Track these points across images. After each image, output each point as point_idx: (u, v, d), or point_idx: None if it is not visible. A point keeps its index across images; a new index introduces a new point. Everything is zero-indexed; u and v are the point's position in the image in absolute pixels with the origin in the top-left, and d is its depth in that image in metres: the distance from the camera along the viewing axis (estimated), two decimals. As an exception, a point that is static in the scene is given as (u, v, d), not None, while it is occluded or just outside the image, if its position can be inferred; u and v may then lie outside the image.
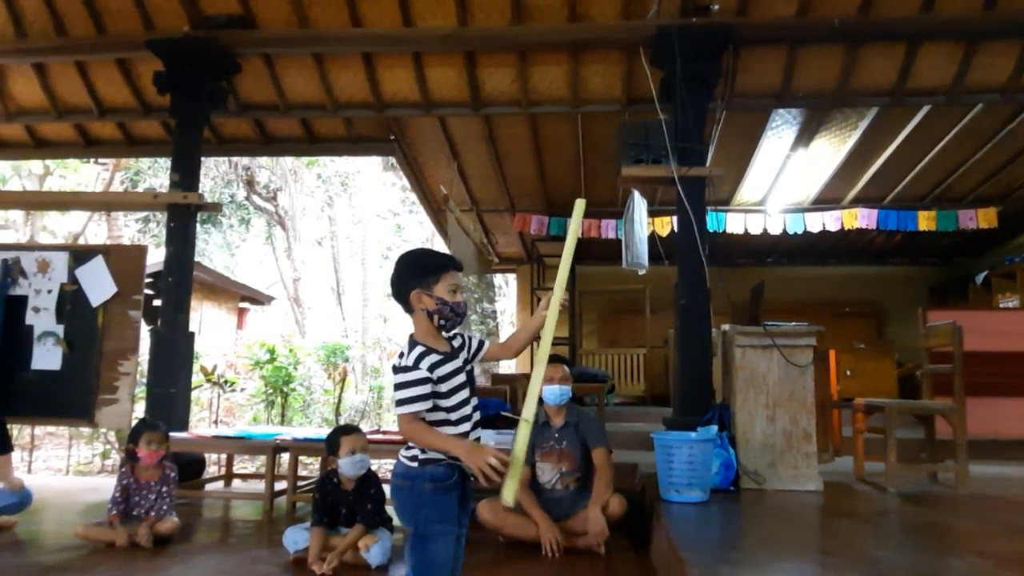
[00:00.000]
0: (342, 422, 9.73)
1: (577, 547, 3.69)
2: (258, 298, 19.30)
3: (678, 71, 5.17)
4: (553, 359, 4.10)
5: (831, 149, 7.60)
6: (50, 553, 3.76)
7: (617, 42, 5.65)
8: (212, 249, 18.64)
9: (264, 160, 16.71)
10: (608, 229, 8.96)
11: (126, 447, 4.07)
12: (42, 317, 5.58)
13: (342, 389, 9.91)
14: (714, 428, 4.27)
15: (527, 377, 7.03)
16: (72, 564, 3.54)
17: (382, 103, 6.22)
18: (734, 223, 8.87)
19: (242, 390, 10.40)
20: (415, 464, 2.02)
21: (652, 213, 7.31)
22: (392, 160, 16.45)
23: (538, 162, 7.93)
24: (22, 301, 5.59)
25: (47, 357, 5.54)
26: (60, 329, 5.55)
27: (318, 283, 20.65)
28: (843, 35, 5.47)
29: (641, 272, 5.75)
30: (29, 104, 6.61)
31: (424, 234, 19.59)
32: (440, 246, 16.13)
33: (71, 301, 5.58)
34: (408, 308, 2.10)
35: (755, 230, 8.91)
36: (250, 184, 17.48)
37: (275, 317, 20.28)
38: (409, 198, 20.55)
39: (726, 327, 4.85)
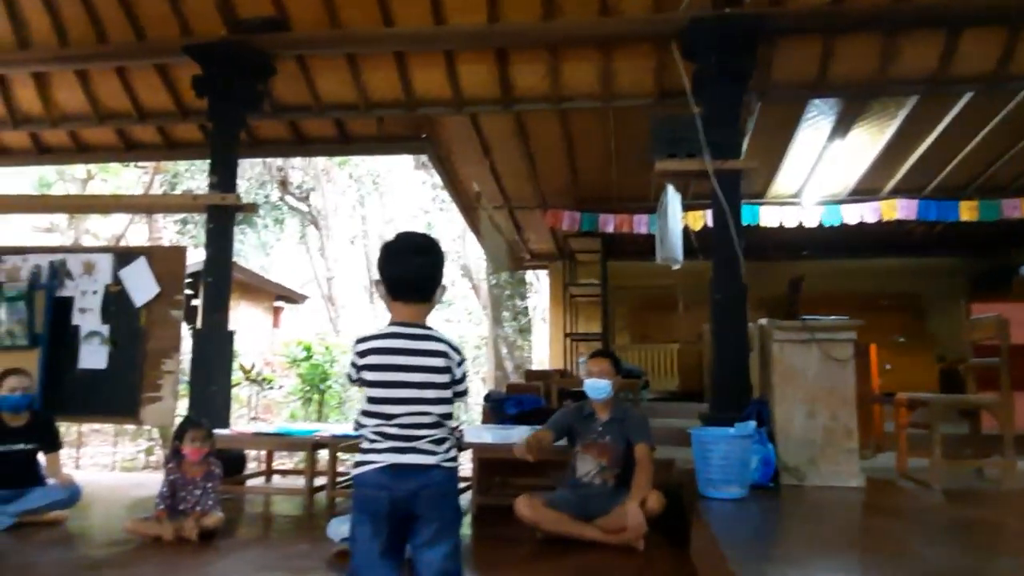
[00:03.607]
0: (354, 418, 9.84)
1: (614, 543, 3.69)
2: (293, 297, 19.57)
3: (711, 63, 5.11)
4: (596, 353, 4.11)
5: (869, 139, 7.44)
6: (100, 547, 3.87)
7: (648, 35, 5.60)
8: (247, 249, 18.95)
9: (297, 160, 16.94)
10: (640, 224, 8.89)
11: (172, 444, 4.17)
12: (88, 317, 5.74)
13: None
14: (752, 424, 4.22)
15: (560, 374, 7.08)
16: (121, 558, 3.64)
17: (414, 102, 6.26)
18: (768, 216, 8.73)
19: (280, 387, 10.57)
20: (456, 465, 2.04)
21: (685, 207, 7.24)
22: (423, 158, 16.54)
23: (569, 158, 7.91)
24: (69, 302, 5.76)
25: (93, 356, 5.70)
26: (105, 329, 5.70)
27: (351, 281, 20.88)
28: (881, 22, 5.34)
29: (675, 267, 5.71)
30: (72, 110, 6.79)
31: (454, 232, 19.68)
32: (472, 243, 16.19)
33: (115, 302, 5.73)
34: (433, 300, 2.08)
35: (790, 223, 8.77)
36: (284, 185, 17.74)
37: (309, 315, 20.58)
38: (439, 196, 20.65)
39: (763, 322, 4.79)
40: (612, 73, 5.94)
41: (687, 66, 5.34)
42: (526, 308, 17.60)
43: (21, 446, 4.31)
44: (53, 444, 4.47)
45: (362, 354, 2.00)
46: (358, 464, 2.00)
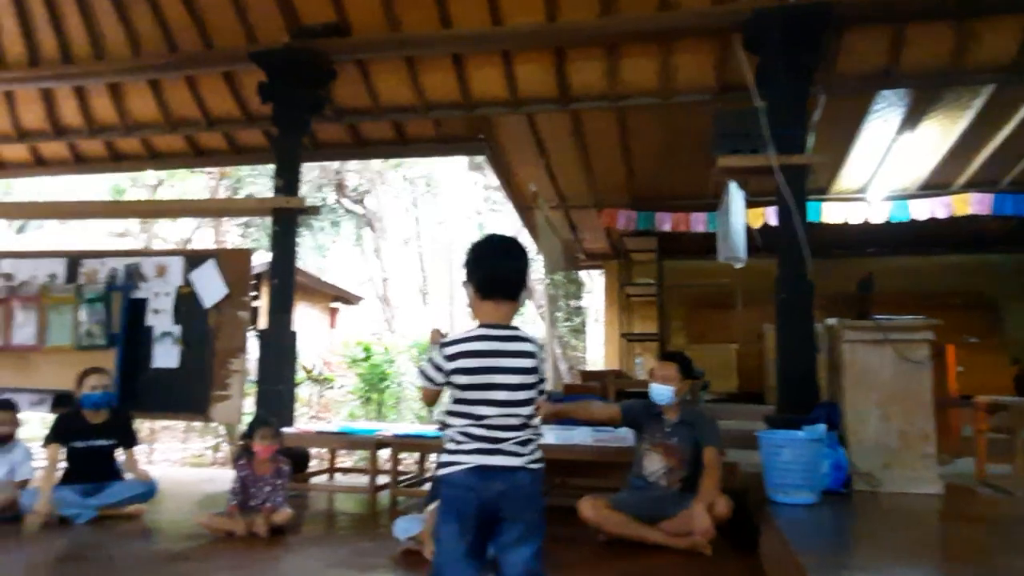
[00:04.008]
0: (434, 418, 9.96)
1: (680, 547, 3.62)
2: (348, 298, 19.96)
3: (776, 56, 4.98)
4: (664, 356, 4.06)
5: (941, 131, 7.13)
6: (176, 541, 4.01)
7: (709, 29, 5.49)
8: (305, 251, 19.39)
9: (353, 163, 17.24)
10: (697, 222, 8.74)
11: (243, 442, 4.29)
12: (161, 318, 5.96)
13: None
14: (822, 427, 4.09)
15: (616, 374, 7.01)
16: (196, 552, 3.77)
17: (471, 102, 6.30)
18: (832, 213, 8.46)
19: (340, 387, 10.78)
20: (541, 467, 2.04)
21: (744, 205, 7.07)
22: (478, 160, 16.67)
23: (625, 156, 7.83)
24: (143, 303, 5.99)
25: (166, 356, 5.91)
26: (177, 329, 5.91)
27: (405, 282, 21.15)
28: (954, 7, 5.11)
29: (738, 266, 5.58)
30: (145, 118, 7.06)
31: (507, 233, 19.69)
32: (526, 243, 16.18)
33: (186, 303, 5.93)
34: (520, 300, 2.10)
35: (855, 220, 8.48)
36: (340, 187, 18.09)
37: (365, 316, 20.94)
38: (491, 197, 20.75)
39: (831, 321, 4.64)
40: (671, 69, 5.85)
41: (750, 59, 5.21)
42: (580, 308, 17.52)
43: (101, 442, 4.49)
44: (131, 440, 4.65)
45: (451, 357, 1.99)
46: (444, 464, 2.01)
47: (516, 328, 2.08)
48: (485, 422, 1.97)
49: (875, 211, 8.37)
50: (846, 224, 8.48)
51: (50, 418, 6.81)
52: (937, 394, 4.44)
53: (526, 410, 2.02)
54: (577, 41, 5.77)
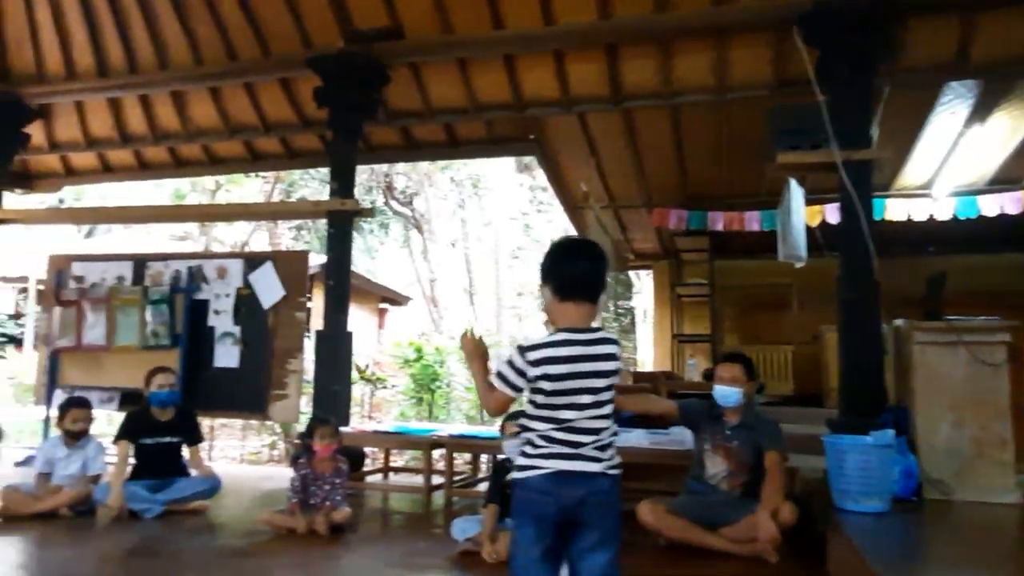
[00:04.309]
0: (484, 419, 9.98)
1: (743, 554, 3.54)
2: (397, 299, 20.22)
3: (837, 48, 4.82)
4: (728, 357, 3.96)
5: (1011, 124, 6.81)
6: (239, 537, 4.10)
7: (767, 22, 5.35)
8: (354, 253, 19.63)
9: (401, 166, 17.46)
10: (751, 221, 8.55)
11: (303, 441, 4.37)
12: (222, 319, 6.12)
13: (486, 386, 10.16)
14: (891, 432, 3.93)
15: (667, 375, 6.89)
16: (259, 548, 3.85)
17: (523, 103, 6.29)
18: (894, 209, 8.17)
19: (393, 387, 10.91)
20: (619, 472, 2.01)
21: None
22: (525, 160, 16.68)
23: (677, 155, 7.72)
24: (205, 304, 6.16)
25: (227, 355, 6.06)
26: (237, 330, 6.06)
27: (452, 283, 21.30)
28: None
29: (798, 265, 5.44)
30: (205, 125, 7.27)
31: (553, 233, 19.68)
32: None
33: (245, 304, 6.08)
34: (599, 303, 2.06)
35: (919, 216, 8.16)
36: (389, 190, 18.33)
37: (412, 317, 21.16)
38: (537, 198, 20.74)
39: (899, 322, 4.48)
40: (727, 64, 5.73)
41: (810, 52, 5.06)
42: (628, 309, 17.35)
43: (168, 439, 4.63)
44: (196, 437, 4.79)
45: (536, 363, 1.95)
46: (522, 468, 1.99)
47: (597, 329, 2.05)
48: (567, 425, 1.95)
49: (941, 207, 8.04)
50: (909, 221, 8.18)
51: (116, 416, 7.10)
52: (1015, 399, 4.24)
53: (608, 410, 2.00)
54: (630, 38, 5.70)
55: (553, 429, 1.95)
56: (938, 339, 4.11)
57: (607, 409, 2.00)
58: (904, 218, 8.14)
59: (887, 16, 4.89)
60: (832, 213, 7.21)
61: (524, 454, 2.00)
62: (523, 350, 1.98)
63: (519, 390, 2.00)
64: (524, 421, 2.02)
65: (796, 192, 5.17)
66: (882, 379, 4.60)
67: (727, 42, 5.62)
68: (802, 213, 5.33)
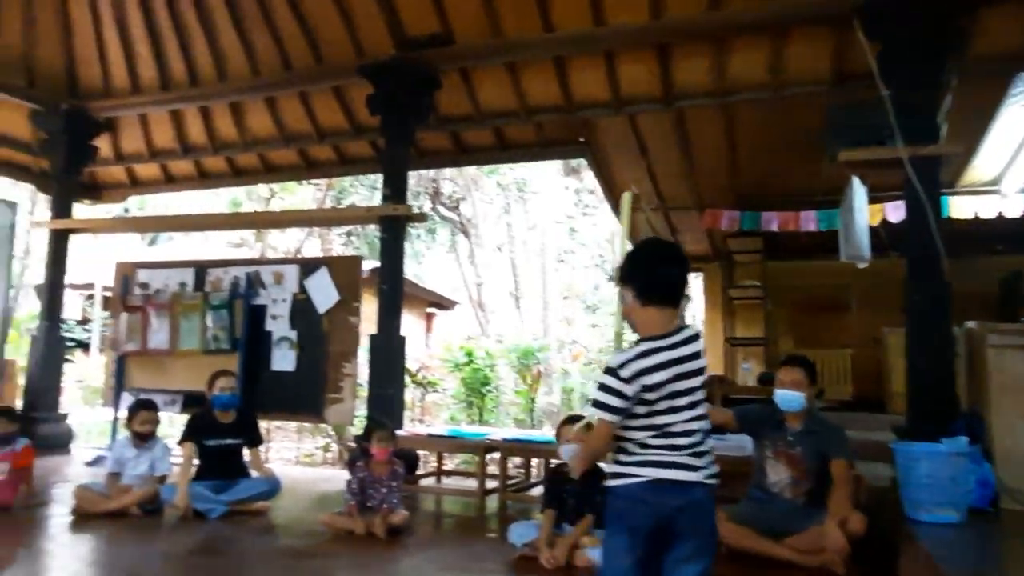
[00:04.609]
0: (534, 423, 9.96)
1: (810, 564, 3.42)
2: (444, 303, 20.36)
3: (901, 40, 4.66)
4: (789, 360, 3.86)
5: (1090, 114, 6.47)
6: (299, 537, 4.16)
7: (825, 15, 5.21)
8: (402, 258, 19.89)
9: (448, 171, 17.58)
10: (808, 221, 8.31)
11: (360, 444, 4.41)
12: (278, 323, 6.25)
13: (536, 390, 10.15)
14: (964, 439, 3.77)
15: (719, 380, 6.73)
16: (320, 549, 3.90)
17: (573, 105, 6.26)
18: (960, 207, 7.84)
19: (444, 391, 10.99)
20: (716, 482, 1.97)
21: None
22: (572, 164, 16.62)
23: (730, 155, 7.57)
24: (262, 309, 6.30)
25: (284, 359, 6.19)
26: (293, 334, 6.18)
27: (498, 287, 21.35)
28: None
29: (861, 265, 5.27)
30: (262, 134, 7.47)
31: (598, 236, 19.57)
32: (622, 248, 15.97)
33: (301, 309, 6.19)
34: (681, 304, 2.03)
35: (987, 214, 7.82)
36: (435, 195, 18.49)
37: (459, 321, 21.27)
38: (583, 201, 20.63)
39: (971, 324, 4.28)
40: (783, 60, 5.60)
41: (871, 45, 4.90)
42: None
43: (230, 441, 4.73)
44: (256, 439, 4.89)
45: (631, 379, 1.88)
46: (617, 476, 1.94)
47: (680, 329, 1.99)
48: (664, 430, 1.91)
49: (1010, 204, 7.69)
50: (976, 219, 7.84)
51: (178, 418, 7.32)
52: (1099, 405, 4.01)
53: (702, 410, 1.97)
54: (683, 37, 5.62)
55: (650, 436, 1.91)
56: (1014, 342, 3.92)
57: (701, 409, 1.96)
58: (971, 216, 7.81)
59: (953, 5, 4.70)
60: (893, 211, 6.97)
61: (618, 461, 1.96)
62: (614, 370, 1.91)
63: (621, 412, 1.92)
64: (618, 430, 1.97)
65: (859, 190, 5.00)
66: (953, 384, 4.41)
67: (783, 37, 5.50)
68: (866, 212, 5.16)
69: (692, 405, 1.93)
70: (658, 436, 1.90)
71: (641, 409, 1.91)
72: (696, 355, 1.96)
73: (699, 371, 1.96)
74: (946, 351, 4.43)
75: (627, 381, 1.89)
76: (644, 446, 1.91)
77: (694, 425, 1.93)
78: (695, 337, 1.97)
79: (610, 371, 1.91)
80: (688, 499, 1.88)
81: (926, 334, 4.49)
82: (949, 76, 5.17)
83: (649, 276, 1.99)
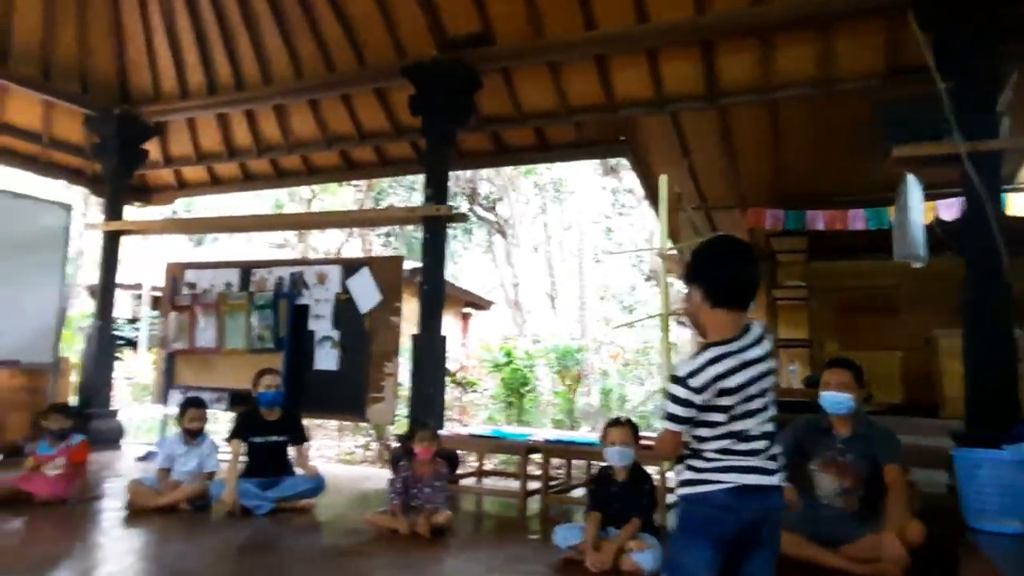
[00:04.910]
0: (573, 424, 9.91)
1: (864, 574, 3.31)
2: (480, 303, 20.39)
3: (958, 31, 4.50)
4: (835, 362, 3.76)
5: None
6: (344, 536, 4.19)
7: (877, 8, 5.06)
8: (440, 258, 19.97)
9: (485, 171, 17.61)
10: (856, 219, 8.09)
11: (403, 444, 4.43)
12: (321, 323, 6.32)
13: (576, 391, 10.10)
14: (1027, 446, 3.62)
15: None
16: (364, 548, 3.92)
17: (615, 104, 6.20)
18: (1019, 204, 7.53)
19: (484, 391, 11.01)
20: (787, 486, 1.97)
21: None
22: (611, 163, 16.50)
23: (775, 152, 7.41)
24: (305, 309, 6.38)
25: (326, 359, 6.25)
26: (336, 334, 6.24)
27: (534, 288, 21.32)
28: None
29: (916, 265, 5.11)
30: (305, 136, 7.58)
31: (635, 236, 19.40)
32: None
33: (344, 309, 6.25)
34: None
35: (1046, 211, 7.50)
36: (472, 195, 18.54)
37: (495, 321, 21.30)
38: (619, 201, 20.48)
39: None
40: (832, 55, 5.46)
41: (926, 37, 4.74)
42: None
43: (276, 438, 4.80)
44: (301, 437, 4.94)
45: (701, 389, 1.82)
46: (694, 483, 1.87)
47: (747, 330, 1.91)
48: (745, 434, 1.86)
49: (1072, 201, 7.36)
50: (1034, 217, 7.54)
51: (221, 415, 7.46)
52: None
53: (774, 411, 1.92)
54: (728, 33, 5.51)
55: (731, 442, 1.85)
56: (1082, 345, 3.74)
57: (774, 410, 1.91)
58: (1029, 213, 7.51)
59: (1015, -7, 4.52)
60: (946, 209, 6.74)
61: (693, 468, 1.89)
62: (682, 380, 1.85)
63: (689, 422, 1.87)
64: (690, 438, 1.91)
65: (914, 187, 4.85)
66: (1015, 388, 4.24)
67: (833, 31, 5.36)
68: (921, 210, 4.99)
69: (765, 407, 1.88)
70: (738, 441, 1.84)
71: (719, 416, 1.85)
72: (766, 356, 1.90)
73: (770, 372, 1.90)
74: (1006, 354, 4.26)
75: (697, 391, 1.83)
76: (725, 452, 1.84)
77: (768, 427, 1.88)
78: (763, 337, 1.91)
79: (678, 380, 1.85)
80: (769, 504, 1.83)
81: (985, 336, 4.33)
82: (1008, 67, 4.98)
83: (721, 275, 1.90)
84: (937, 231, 5.95)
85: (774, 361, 1.95)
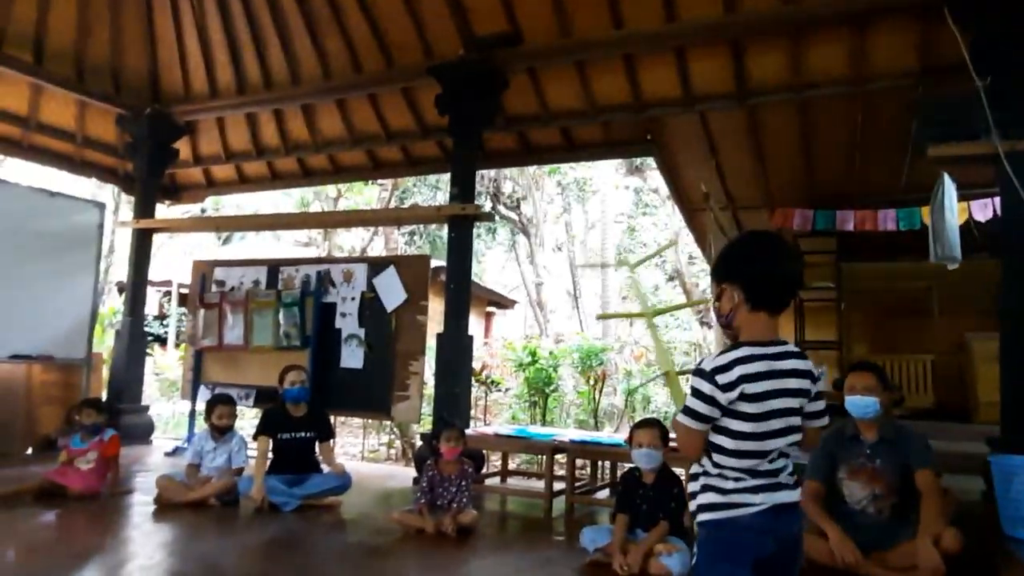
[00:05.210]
0: (596, 424, 9.86)
1: (898, 582, 3.25)
2: (503, 302, 20.42)
3: (996, 28, 4.40)
4: (858, 366, 3.68)
5: None
6: (371, 534, 4.21)
7: (911, 4, 4.97)
8: (464, 258, 20.01)
9: (508, 171, 17.61)
10: (887, 220, 7.95)
11: (429, 443, 4.44)
12: (347, 321, 6.36)
13: (600, 391, 10.05)
14: (1069, 454, 3.52)
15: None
16: (391, 547, 3.94)
17: (642, 104, 6.16)
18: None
19: (507, 390, 11.00)
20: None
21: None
22: (636, 162, 16.41)
23: (804, 152, 7.31)
24: (332, 307, 6.42)
25: (352, 357, 6.29)
26: (362, 332, 6.27)
27: (557, 287, 21.28)
28: None
29: (952, 267, 4.99)
30: (332, 135, 7.63)
31: (658, 236, 19.28)
32: (683, 247, 15.72)
33: (370, 307, 6.28)
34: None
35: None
36: (496, 195, 18.54)
37: (518, 320, 21.30)
38: (643, 200, 20.36)
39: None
40: (865, 53, 5.37)
41: (963, 35, 4.64)
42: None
43: (302, 435, 4.83)
44: (328, 434, 4.98)
45: (728, 386, 1.68)
46: (721, 507, 1.72)
47: (782, 341, 1.77)
48: (770, 450, 1.72)
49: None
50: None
51: (248, 412, 7.54)
52: None
53: (800, 435, 1.78)
54: (758, 31, 5.45)
55: (757, 460, 1.71)
56: None
57: (798, 435, 1.77)
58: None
59: (1053, -11, 4.40)
60: (979, 210, 6.60)
61: (714, 489, 1.74)
62: (708, 374, 1.69)
63: (710, 421, 1.72)
64: (712, 454, 1.76)
65: (949, 188, 4.75)
66: (1053, 394, 4.13)
67: (866, 29, 5.28)
68: (956, 211, 4.89)
69: (791, 429, 1.74)
70: (766, 460, 1.72)
71: (744, 426, 1.70)
72: (803, 374, 1.75)
73: (803, 392, 1.75)
74: (1046, 359, 4.16)
75: (722, 388, 1.68)
76: (751, 472, 1.71)
77: (791, 447, 1.75)
78: (800, 355, 1.76)
79: (703, 374, 1.70)
80: (800, 523, 1.75)
81: (1020, 342, 4.23)
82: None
83: (763, 273, 1.73)
84: (975, 232, 5.83)
85: (809, 383, 1.76)
